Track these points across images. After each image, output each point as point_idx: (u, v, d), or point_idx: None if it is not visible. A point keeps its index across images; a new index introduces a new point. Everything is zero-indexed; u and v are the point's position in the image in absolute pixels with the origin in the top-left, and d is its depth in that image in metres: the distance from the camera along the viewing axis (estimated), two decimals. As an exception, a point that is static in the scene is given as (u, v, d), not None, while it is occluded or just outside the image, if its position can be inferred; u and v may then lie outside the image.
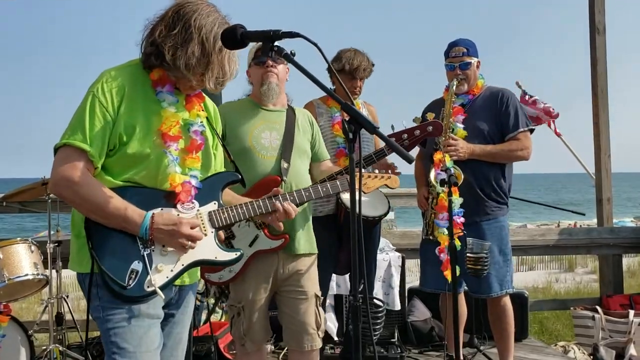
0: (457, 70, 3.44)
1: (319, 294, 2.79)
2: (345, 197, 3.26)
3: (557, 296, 8.33)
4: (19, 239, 3.54)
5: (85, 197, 1.85)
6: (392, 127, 2.77)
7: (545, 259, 14.15)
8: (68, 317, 4.08)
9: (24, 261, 3.44)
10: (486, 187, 3.41)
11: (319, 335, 2.73)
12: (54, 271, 3.89)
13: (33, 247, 3.55)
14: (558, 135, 5.37)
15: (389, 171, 2.68)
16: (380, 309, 3.44)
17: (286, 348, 4.17)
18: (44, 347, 3.69)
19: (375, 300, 3.48)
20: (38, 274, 3.47)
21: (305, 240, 2.77)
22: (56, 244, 3.81)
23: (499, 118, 3.45)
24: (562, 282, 11.11)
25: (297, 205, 2.38)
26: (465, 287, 3.57)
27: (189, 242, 1.94)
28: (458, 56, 3.45)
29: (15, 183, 4.19)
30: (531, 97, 5.28)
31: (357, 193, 1.69)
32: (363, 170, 2.60)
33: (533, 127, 3.49)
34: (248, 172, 2.61)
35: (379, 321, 3.44)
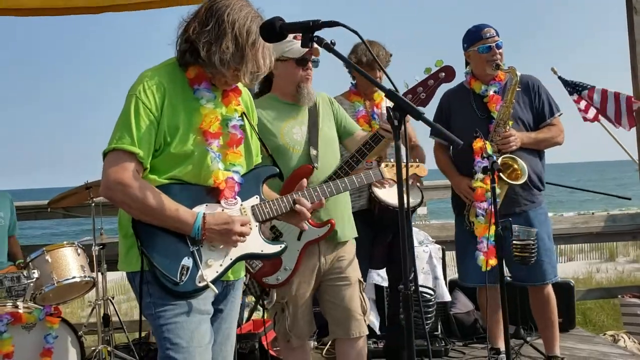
0: (493, 50, 3.36)
1: (362, 279, 2.80)
2: (378, 190, 3.25)
3: (599, 286, 8.14)
4: (65, 242, 3.63)
5: (137, 199, 1.87)
6: (406, 84, 2.74)
7: (585, 249, 13.85)
8: (114, 318, 4.15)
9: (72, 264, 3.52)
10: (532, 175, 3.37)
11: (365, 321, 2.73)
12: (99, 274, 3.96)
13: (79, 250, 3.63)
14: (597, 120, 5.22)
15: (417, 159, 2.68)
16: (431, 298, 3.41)
17: (329, 343, 4.18)
18: (93, 348, 3.77)
19: (424, 290, 3.44)
20: (85, 277, 3.56)
21: (346, 227, 2.78)
22: (101, 247, 3.88)
23: (535, 106, 3.43)
24: (604, 272, 10.85)
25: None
26: (508, 277, 3.50)
27: (241, 239, 1.97)
28: (492, 36, 3.38)
29: (54, 192, 4.29)
30: (575, 88, 5.13)
31: (404, 182, 1.68)
32: (392, 160, 2.61)
33: (562, 112, 3.48)
34: (284, 168, 2.61)
35: (430, 310, 3.40)
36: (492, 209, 2.91)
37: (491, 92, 3.41)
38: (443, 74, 2.71)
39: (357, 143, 2.79)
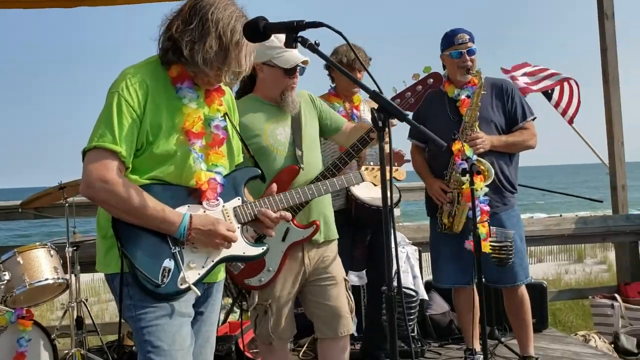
0: (464, 57, 3.37)
1: (347, 278, 2.82)
2: (355, 188, 3.26)
3: (568, 287, 8.30)
4: (38, 243, 3.54)
5: (122, 198, 1.83)
6: (394, 89, 2.76)
7: (554, 251, 14.11)
8: (87, 321, 4.07)
9: (44, 266, 3.43)
10: (502, 177, 3.41)
11: (352, 319, 2.74)
12: (72, 275, 3.88)
13: (52, 252, 3.54)
14: (570, 123, 5.33)
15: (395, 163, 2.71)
16: (414, 299, 3.42)
17: (305, 345, 4.17)
18: (66, 351, 3.68)
19: (408, 290, 3.45)
20: (58, 278, 3.47)
21: (329, 227, 2.78)
22: (74, 248, 3.79)
23: (507, 109, 3.46)
24: (572, 274, 11.10)
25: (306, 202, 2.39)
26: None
27: (225, 243, 1.95)
28: (464, 42, 3.38)
29: (27, 192, 4.19)
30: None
31: (388, 183, 1.68)
32: (372, 163, 2.63)
33: (536, 116, 3.51)
34: (268, 170, 2.60)
35: (413, 311, 3.42)
36: (469, 210, 2.94)
37: (463, 96, 3.42)
38: (431, 80, 2.73)
39: (350, 136, 2.80)
